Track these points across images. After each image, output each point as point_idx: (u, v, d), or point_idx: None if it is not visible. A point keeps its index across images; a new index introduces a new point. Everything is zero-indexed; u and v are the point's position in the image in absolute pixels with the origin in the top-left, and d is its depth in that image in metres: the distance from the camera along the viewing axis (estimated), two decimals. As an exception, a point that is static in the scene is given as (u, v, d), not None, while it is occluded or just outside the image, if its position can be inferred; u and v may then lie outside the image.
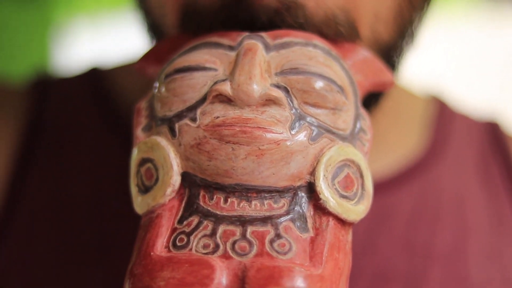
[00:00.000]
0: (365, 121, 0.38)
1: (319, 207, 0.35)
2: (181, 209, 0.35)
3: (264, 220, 0.34)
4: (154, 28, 0.45)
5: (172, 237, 0.34)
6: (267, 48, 0.36)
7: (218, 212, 0.34)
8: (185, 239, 0.34)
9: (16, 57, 1.46)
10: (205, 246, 0.34)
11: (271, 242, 0.33)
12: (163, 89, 0.37)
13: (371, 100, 0.44)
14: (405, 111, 0.58)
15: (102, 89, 0.56)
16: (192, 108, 0.35)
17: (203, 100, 0.35)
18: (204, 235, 0.34)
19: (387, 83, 0.40)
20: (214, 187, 0.35)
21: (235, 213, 0.34)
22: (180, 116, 0.36)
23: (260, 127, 0.34)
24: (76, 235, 0.51)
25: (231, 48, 0.37)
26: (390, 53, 0.43)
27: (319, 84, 0.35)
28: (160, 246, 0.34)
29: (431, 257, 0.51)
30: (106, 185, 0.52)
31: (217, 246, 0.33)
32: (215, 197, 0.35)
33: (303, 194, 0.35)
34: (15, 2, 1.51)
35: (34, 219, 0.52)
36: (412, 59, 0.48)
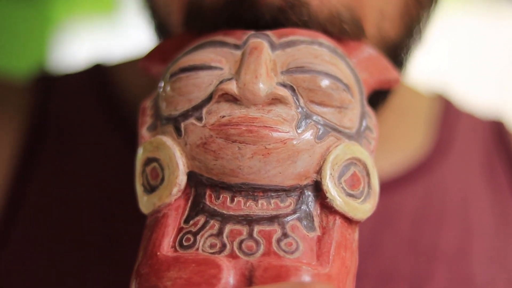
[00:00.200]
0: (371, 119, 0.37)
1: (326, 206, 0.35)
2: (187, 209, 0.35)
3: (271, 219, 0.34)
4: (161, 27, 0.45)
5: (179, 237, 0.34)
6: (273, 46, 0.36)
7: (224, 212, 0.34)
8: (192, 239, 0.34)
9: (15, 56, 1.46)
10: (212, 246, 0.33)
11: (278, 241, 0.33)
12: (168, 88, 0.36)
13: (379, 98, 0.44)
14: (410, 110, 0.58)
15: (106, 85, 0.56)
16: (198, 107, 0.35)
17: (208, 99, 0.35)
18: (211, 235, 0.34)
19: (393, 81, 0.40)
20: (220, 187, 0.35)
21: (241, 213, 0.34)
22: (185, 115, 0.35)
23: (266, 126, 0.34)
24: (80, 233, 0.51)
25: (236, 47, 0.37)
26: (397, 51, 0.43)
27: (325, 82, 0.35)
28: (166, 246, 0.34)
29: (436, 257, 0.51)
30: (110, 183, 0.52)
31: (224, 246, 0.33)
32: (221, 197, 0.35)
33: (309, 193, 0.35)
34: (14, 0, 1.51)
35: (38, 217, 0.52)
36: (417, 57, 0.48)
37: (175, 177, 0.35)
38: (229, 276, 0.32)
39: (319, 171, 0.35)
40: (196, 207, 0.35)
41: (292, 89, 0.35)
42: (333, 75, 0.35)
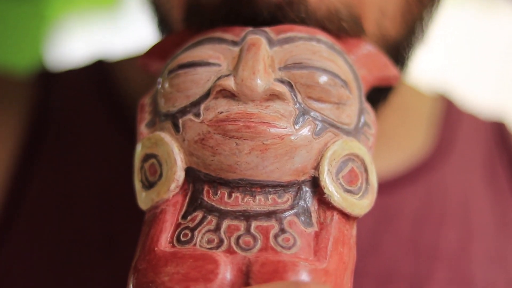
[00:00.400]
0: (370, 115, 0.38)
1: (324, 202, 0.35)
2: (185, 205, 0.35)
3: (268, 215, 0.34)
4: (163, 23, 0.45)
5: (176, 233, 0.34)
6: (271, 43, 0.36)
7: (222, 207, 0.34)
8: (189, 234, 0.34)
9: (11, 53, 1.46)
10: (209, 241, 0.33)
11: (276, 236, 0.33)
12: (166, 85, 0.37)
13: (380, 95, 0.44)
14: (412, 109, 0.58)
15: (107, 81, 0.56)
16: (196, 103, 0.35)
17: (206, 95, 0.35)
18: (208, 230, 0.34)
19: (392, 78, 0.40)
20: (218, 182, 0.35)
21: (239, 208, 0.34)
22: (183, 111, 0.36)
23: (264, 122, 0.34)
24: (80, 230, 0.51)
25: (234, 43, 0.37)
26: (398, 49, 0.43)
27: (323, 78, 0.35)
28: (164, 242, 0.34)
29: (436, 257, 0.51)
30: (111, 179, 0.52)
31: (221, 241, 0.33)
32: (219, 192, 0.35)
33: (307, 188, 0.35)
34: (11, -3, 1.51)
35: (39, 213, 0.52)
36: (418, 56, 0.48)
37: (173, 173, 0.35)
38: (226, 271, 0.32)
39: (316, 167, 0.35)
40: (194, 203, 0.35)
41: (290, 85, 0.35)
42: (331, 71, 0.35)
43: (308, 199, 0.35)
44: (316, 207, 0.35)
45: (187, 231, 0.34)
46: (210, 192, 0.35)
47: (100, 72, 0.57)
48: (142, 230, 0.36)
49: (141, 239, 0.35)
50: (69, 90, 0.57)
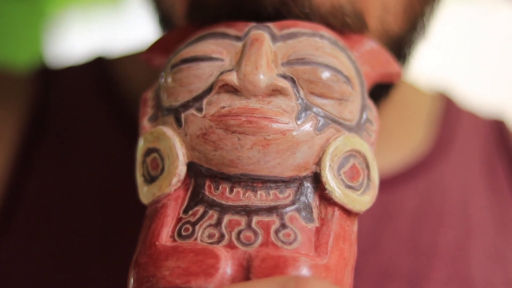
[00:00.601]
0: (372, 111, 0.38)
1: (325, 198, 0.35)
2: (187, 199, 0.35)
3: (270, 210, 0.34)
4: (164, 19, 0.45)
5: (177, 227, 0.34)
6: (274, 38, 0.36)
7: (223, 202, 0.34)
8: (190, 229, 0.34)
9: (11, 50, 1.46)
10: (210, 236, 0.33)
11: (276, 232, 0.33)
12: (169, 79, 0.37)
13: (381, 92, 0.44)
14: (412, 107, 0.58)
15: (107, 78, 0.56)
16: (198, 98, 0.35)
17: (209, 90, 0.35)
18: (209, 225, 0.34)
19: (394, 75, 0.40)
20: (219, 177, 0.35)
21: (240, 203, 0.34)
22: (186, 106, 0.36)
23: (266, 117, 0.34)
24: (80, 226, 0.51)
25: (237, 38, 0.37)
26: (400, 45, 0.43)
27: (325, 74, 0.35)
28: (165, 236, 0.34)
29: (434, 256, 0.51)
30: (110, 176, 0.52)
31: (222, 236, 0.33)
32: (220, 187, 0.35)
33: (308, 184, 0.35)
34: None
35: (38, 209, 0.52)
36: (419, 53, 0.48)
37: (175, 168, 0.35)
38: (226, 266, 0.32)
39: (318, 163, 0.35)
40: (195, 198, 0.35)
41: (292, 80, 0.35)
42: (333, 67, 0.35)
43: (309, 194, 0.35)
44: (317, 203, 0.35)
45: (188, 226, 0.34)
46: (212, 186, 0.35)
47: (100, 69, 0.57)
48: (144, 224, 0.36)
49: (142, 233, 0.35)
50: (68, 87, 0.57)
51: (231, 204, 0.34)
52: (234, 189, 0.35)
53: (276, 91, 0.35)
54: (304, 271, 0.32)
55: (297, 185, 0.35)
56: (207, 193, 0.35)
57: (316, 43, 0.36)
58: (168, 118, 0.36)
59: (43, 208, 0.52)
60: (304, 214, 0.34)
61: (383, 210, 0.51)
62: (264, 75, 0.35)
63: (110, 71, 0.57)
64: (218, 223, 0.34)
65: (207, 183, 0.35)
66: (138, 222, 0.37)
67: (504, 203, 0.54)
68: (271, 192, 0.34)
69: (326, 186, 0.34)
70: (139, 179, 0.37)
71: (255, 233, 0.33)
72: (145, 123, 0.38)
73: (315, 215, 0.34)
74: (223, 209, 0.34)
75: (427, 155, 0.55)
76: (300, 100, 0.35)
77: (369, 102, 0.38)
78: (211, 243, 0.33)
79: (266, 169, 0.34)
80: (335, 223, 0.34)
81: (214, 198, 0.35)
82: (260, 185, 0.34)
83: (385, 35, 0.41)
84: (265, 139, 0.34)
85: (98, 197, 0.52)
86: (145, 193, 0.36)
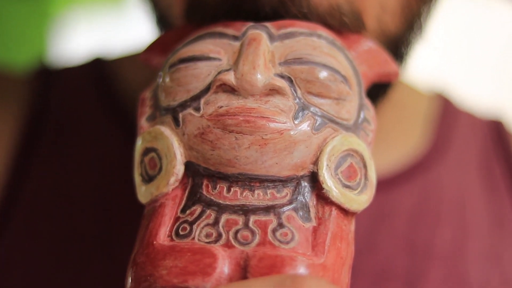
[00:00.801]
0: (369, 111, 0.38)
1: (322, 197, 0.35)
2: (184, 198, 0.35)
3: (267, 209, 0.34)
4: (162, 19, 0.45)
5: (175, 226, 0.34)
6: (272, 38, 0.36)
7: (221, 201, 0.34)
8: (188, 228, 0.34)
9: (14, 50, 1.46)
10: (208, 235, 0.34)
11: (274, 231, 0.33)
12: (167, 79, 0.37)
13: (379, 92, 0.44)
14: (409, 108, 0.58)
15: (105, 78, 0.56)
16: (196, 97, 0.35)
17: (207, 89, 0.35)
18: (207, 224, 0.34)
19: (392, 74, 0.40)
20: (217, 177, 0.35)
21: (238, 203, 0.34)
22: (184, 105, 0.36)
23: (263, 117, 0.34)
24: (78, 226, 0.51)
25: (235, 38, 0.37)
26: (397, 45, 0.43)
27: (323, 74, 0.35)
28: (163, 235, 0.34)
29: (431, 256, 0.51)
30: (109, 176, 0.52)
31: (219, 235, 0.33)
32: (218, 187, 0.35)
33: (306, 183, 0.35)
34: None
35: (36, 210, 0.52)
36: (416, 53, 0.48)
37: (173, 167, 0.35)
38: (224, 265, 0.32)
39: (315, 162, 0.35)
40: (193, 197, 0.35)
41: (289, 80, 0.35)
42: (331, 67, 0.35)
43: (306, 194, 0.35)
44: (314, 202, 0.35)
45: (185, 225, 0.34)
46: (209, 186, 0.35)
47: (98, 70, 0.57)
48: (141, 224, 0.36)
49: (140, 232, 0.36)
50: (67, 88, 0.57)
51: (229, 203, 0.34)
52: (232, 189, 0.35)
53: (273, 91, 0.35)
54: (301, 271, 0.32)
55: (294, 185, 0.35)
56: (204, 192, 0.35)
57: (314, 43, 0.36)
58: (166, 118, 0.36)
59: (42, 208, 0.52)
60: (301, 214, 0.34)
61: (380, 210, 0.51)
62: (262, 74, 0.35)
63: (109, 72, 0.57)
64: (215, 223, 0.34)
65: (205, 182, 0.35)
66: (136, 222, 0.37)
67: (501, 203, 0.54)
68: (269, 191, 0.34)
69: (323, 186, 0.35)
70: (137, 179, 0.37)
71: (253, 232, 0.33)
72: (143, 122, 0.38)
73: (312, 214, 0.34)
74: (221, 209, 0.34)
75: (424, 156, 0.55)
76: (297, 100, 0.35)
77: (367, 102, 0.38)
78: (208, 243, 0.33)
79: (264, 169, 0.34)
80: (332, 223, 0.34)
81: (212, 197, 0.35)
82: (258, 184, 0.35)
83: (382, 34, 0.41)
84: (262, 138, 0.34)
85: (96, 197, 0.52)
86: (143, 193, 0.36)
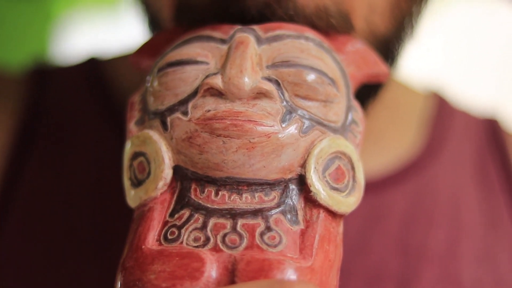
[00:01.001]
0: (357, 113, 0.38)
1: (310, 200, 0.35)
2: (173, 203, 0.35)
3: (255, 213, 0.34)
4: (153, 22, 0.45)
5: (164, 230, 0.34)
6: (259, 41, 0.36)
7: (209, 205, 0.34)
8: (176, 232, 0.34)
9: (16, 52, 1.46)
10: (196, 239, 0.34)
11: (261, 234, 0.33)
12: (155, 83, 0.37)
13: (370, 92, 0.44)
14: (403, 107, 0.58)
15: (99, 78, 0.56)
16: (184, 101, 0.35)
17: (194, 93, 0.35)
18: (195, 228, 0.34)
19: (382, 75, 0.40)
20: (205, 180, 0.35)
21: (225, 206, 0.34)
22: (172, 109, 0.36)
23: (251, 120, 0.34)
24: (72, 226, 0.51)
25: (223, 41, 0.37)
26: (388, 45, 0.43)
27: (310, 76, 0.35)
28: (151, 240, 0.34)
29: (424, 257, 0.51)
30: (103, 176, 0.52)
31: (207, 239, 0.34)
32: (206, 190, 0.35)
33: (294, 186, 0.35)
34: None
35: (31, 210, 0.52)
36: (413, 53, 0.48)
37: (161, 171, 0.35)
38: (212, 269, 0.33)
39: (303, 165, 0.35)
40: (181, 201, 0.35)
41: (277, 83, 0.35)
42: (318, 69, 0.35)
43: (294, 197, 0.35)
44: (302, 205, 0.35)
45: (174, 229, 0.34)
46: (198, 190, 0.35)
47: (93, 70, 0.57)
48: (130, 228, 0.36)
49: (129, 237, 0.36)
50: (62, 87, 0.57)
51: (217, 207, 0.34)
52: (220, 192, 0.35)
53: (261, 94, 0.35)
54: (289, 274, 0.32)
55: (282, 188, 0.35)
56: (192, 196, 0.35)
57: (301, 45, 0.36)
58: (154, 122, 0.36)
59: (36, 208, 0.52)
60: (289, 217, 0.34)
61: (373, 212, 0.51)
62: (249, 78, 0.35)
63: (103, 72, 0.57)
64: (203, 227, 0.34)
65: (193, 186, 0.35)
66: (130, 223, 0.37)
67: (495, 203, 0.54)
68: (256, 195, 0.34)
69: (311, 188, 0.35)
70: (126, 183, 0.37)
71: (240, 236, 0.33)
72: (131, 126, 0.38)
73: (300, 217, 0.34)
74: (209, 213, 0.34)
75: (418, 156, 0.54)
76: (285, 103, 0.35)
77: (355, 103, 0.38)
78: (196, 247, 0.33)
79: (251, 172, 0.34)
80: (320, 225, 0.34)
81: (200, 201, 0.35)
82: (245, 188, 0.35)
83: (371, 35, 0.41)
84: (250, 142, 0.34)
85: (90, 197, 0.52)
86: (132, 197, 0.36)
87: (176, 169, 0.36)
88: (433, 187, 0.54)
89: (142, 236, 0.34)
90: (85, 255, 0.50)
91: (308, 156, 0.35)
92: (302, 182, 0.35)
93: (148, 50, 0.41)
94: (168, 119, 0.36)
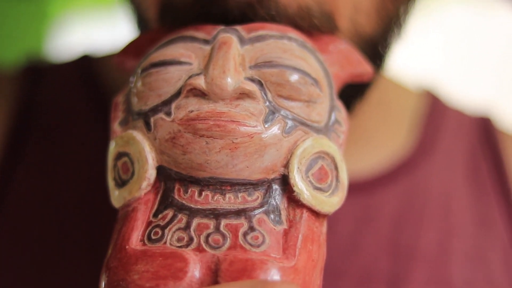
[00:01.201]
0: (341, 112, 0.38)
1: (293, 200, 0.35)
2: (157, 203, 0.35)
3: (238, 213, 0.34)
4: (140, 22, 0.45)
5: (147, 231, 0.35)
6: (242, 41, 0.36)
7: (192, 206, 0.35)
8: (160, 233, 0.34)
9: (12, 51, 1.46)
10: (179, 239, 0.34)
11: (245, 234, 0.34)
12: (139, 84, 0.37)
13: (357, 92, 0.44)
14: (395, 107, 0.58)
15: (92, 75, 0.56)
16: (167, 102, 0.36)
17: (177, 94, 0.35)
18: (179, 228, 0.34)
19: (365, 74, 0.40)
20: (189, 181, 0.35)
21: (209, 206, 0.34)
22: (155, 110, 0.36)
23: (234, 121, 0.34)
24: (64, 225, 0.52)
25: (206, 42, 0.37)
26: (374, 45, 0.43)
27: (293, 77, 0.35)
28: (135, 240, 0.34)
29: (415, 258, 0.51)
30: (95, 174, 0.52)
31: (191, 239, 0.34)
32: (189, 191, 0.35)
33: (277, 186, 0.35)
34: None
35: (23, 208, 0.52)
36: (404, 51, 0.48)
37: (145, 172, 0.36)
38: (195, 269, 0.33)
39: (286, 165, 0.35)
40: (165, 201, 0.35)
41: (260, 83, 0.35)
42: (301, 70, 0.35)
43: (277, 197, 0.35)
44: (285, 205, 0.35)
45: (157, 229, 0.34)
46: (181, 190, 0.35)
47: (86, 67, 0.57)
48: (115, 228, 0.36)
49: (113, 237, 0.36)
50: (54, 84, 0.57)
51: (200, 207, 0.34)
52: (203, 193, 0.35)
53: (243, 95, 0.35)
54: (272, 274, 0.32)
55: (265, 188, 0.35)
56: (176, 196, 0.35)
57: (284, 46, 0.36)
58: (138, 123, 0.36)
59: (28, 206, 0.52)
60: (272, 217, 0.34)
61: (364, 212, 0.51)
62: (232, 78, 0.35)
63: (96, 69, 0.57)
64: (187, 227, 0.34)
65: (177, 186, 0.35)
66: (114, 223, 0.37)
67: (487, 202, 0.54)
68: (240, 195, 0.35)
69: (294, 188, 0.35)
70: (111, 183, 0.37)
71: (224, 236, 0.34)
72: (115, 127, 0.38)
73: (283, 217, 0.35)
74: (192, 213, 0.34)
75: (409, 156, 0.54)
76: (267, 103, 0.35)
77: (338, 103, 0.38)
78: (180, 247, 0.33)
79: (234, 172, 0.34)
80: (304, 225, 0.34)
81: (183, 201, 0.35)
82: (229, 188, 0.35)
83: (357, 35, 0.41)
84: (233, 142, 0.34)
85: (83, 194, 0.52)
86: (116, 197, 0.36)
87: (160, 170, 0.36)
88: (425, 187, 0.54)
89: (126, 236, 0.35)
90: (77, 253, 0.51)
91: (291, 156, 0.35)
92: (285, 182, 0.35)
93: (132, 50, 0.41)
94: (152, 120, 0.36)
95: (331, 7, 0.39)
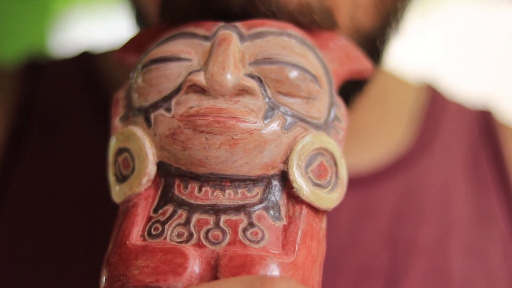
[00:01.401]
0: (340, 109, 0.38)
1: (293, 196, 0.35)
2: (157, 198, 0.36)
3: (238, 208, 0.34)
4: (140, 18, 0.45)
5: (148, 226, 0.35)
6: (242, 38, 0.37)
7: (192, 201, 0.35)
8: (160, 228, 0.34)
9: (14, 48, 1.46)
10: (179, 235, 0.34)
11: (244, 230, 0.34)
12: (139, 80, 0.37)
13: (356, 88, 0.44)
14: (395, 101, 0.58)
15: (92, 71, 0.56)
16: (167, 98, 0.36)
17: (178, 90, 0.36)
18: (179, 224, 0.34)
19: (365, 71, 0.40)
20: (188, 176, 0.35)
21: (209, 202, 0.34)
22: (155, 106, 0.36)
23: (233, 117, 0.34)
24: (64, 221, 0.52)
25: (206, 38, 0.37)
26: (373, 41, 0.43)
27: (292, 73, 0.35)
28: (135, 235, 0.35)
29: (414, 252, 0.51)
30: (95, 170, 0.52)
31: (191, 235, 0.34)
32: (189, 186, 0.35)
33: (276, 182, 0.35)
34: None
35: (23, 205, 0.52)
36: (405, 46, 0.48)
37: (145, 167, 0.36)
38: (195, 265, 0.33)
39: (286, 161, 0.35)
40: (165, 197, 0.35)
41: (259, 80, 0.35)
42: (300, 66, 0.36)
43: (277, 193, 0.35)
44: (285, 201, 0.35)
45: (158, 225, 0.35)
46: (181, 186, 0.35)
47: (86, 63, 0.57)
48: (115, 223, 0.36)
49: (113, 232, 0.36)
50: (54, 81, 0.57)
51: (200, 203, 0.35)
52: (203, 188, 0.35)
53: (243, 91, 0.35)
54: (271, 270, 0.33)
55: (265, 184, 0.35)
56: (176, 192, 0.35)
57: (284, 42, 0.37)
58: (139, 118, 0.37)
59: (28, 203, 0.52)
60: (272, 213, 0.34)
61: (362, 207, 0.51)
62: (231, 75, 0.35)
63: (96, 65, 0.57)
64: (187, 222, 0.34)
65: (177, 182, 0.35)
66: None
67: (486, 196, 0.54)
68: (239, 191, 0.35)
69: (294, 185, 0.35)
70: (111, 178, 0.37)
71: (223, 232, 0.34)
72: (116, 122, 0.38)
73: (283, 213, 0.35)
74: (192, 208, 0.35)
75: (409, 151, 0.54)
76: (267, 100, 0.35)
77: (338, 100, 0.38)
78: (180, 242, 0.34)
79: (234, 168, 0.35)
80: (303, 221, 0.34)
81: (183, 197, 0.35)
82: (228, 184, 0.35)
83: (356, 31, 0.41)
84: (232, 138, 0.34)
85: (84, 190, 0.52)
86: (117, 192, 0.37)
87: (160, 165, 0.36)
88: (424, 181, 0.54)
89: (126, 231, 0.35)
90: (78, 249, 0.51)
91: (290, 152, 0.35)
92: (284, 178, 0.35)
93: (133, 46, 0.41)
94: (152, 116, 0.36)
95: (331, 3, 0.39)
